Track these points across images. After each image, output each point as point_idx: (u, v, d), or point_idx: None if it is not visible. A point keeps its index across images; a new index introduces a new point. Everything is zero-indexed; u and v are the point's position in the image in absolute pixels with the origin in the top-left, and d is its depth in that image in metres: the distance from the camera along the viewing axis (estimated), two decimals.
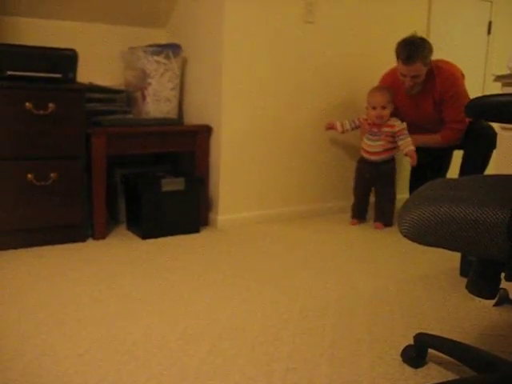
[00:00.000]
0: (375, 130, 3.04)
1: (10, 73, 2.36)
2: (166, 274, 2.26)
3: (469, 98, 2.94)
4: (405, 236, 1.15)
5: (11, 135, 2.40)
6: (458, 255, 2.46)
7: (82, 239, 2.66)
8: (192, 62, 3.14)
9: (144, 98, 2.99)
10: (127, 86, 3.13)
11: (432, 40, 3.12)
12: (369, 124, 3.07)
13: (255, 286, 2.15)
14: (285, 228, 3.06)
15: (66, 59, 2.54)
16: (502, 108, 0.92)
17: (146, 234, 2.78)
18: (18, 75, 2.39)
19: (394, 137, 3.01)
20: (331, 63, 3.27)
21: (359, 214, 3.23)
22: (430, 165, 3.26)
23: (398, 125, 3.01)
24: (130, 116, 3.03)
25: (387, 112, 2.99)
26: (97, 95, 2.90)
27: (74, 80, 2.58)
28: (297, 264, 2.44)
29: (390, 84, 3.10)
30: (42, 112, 2.43)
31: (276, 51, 3.04)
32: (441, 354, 1.58)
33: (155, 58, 2.94)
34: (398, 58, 2.92)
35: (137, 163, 3.18)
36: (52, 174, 2.50)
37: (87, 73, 3.00)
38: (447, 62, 3.09)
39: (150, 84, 2.96)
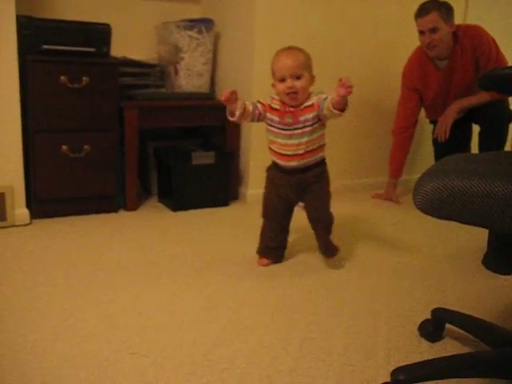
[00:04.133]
0: (289, 119, 1.93)
1: (45, 47, 2.43)
2: (194, 244, 2.32)
3: (502, 54, 2.82)
4: (418, 208, 1.16)
5: (46, 108, 2.47)
6: (486, 234, 2.44)
7: (115, 210, 2.74)
8: (225, 36, 3.16)
9: (176, 72, 3.03)
10: (161, 61, 3.17)
11: None
12: (276, 111, 1.95)
13: None
14: None
15: (100, 33, 2.59)
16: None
17: (176, 206, 2.84)
18: (53, 49, 2.45)
19: (318, 123, 1.95)
20: (370, 41, 3.23)
21: (273, 250, 2.13)
22: (454, 140, 2.94)
23: (315, 99, 1.92)
24: (163, 90, 3.07)
25: (304, 84, 1.90)
26: (130, 69, 2.95)
27: (107, 54, 2.63)
28: None
29: (417, 65, 2.95)
30: (76, 85, 2.50)
31: (310, 28, 3.02)
32: (458, 330, 1.58)
33: (188, 32, 2.96)
34: (415, 19, 2.82)
35: (169, 137, 3.23)
36: (86, 147, 2.57)
37: (122, 47, 3.04)
38: (474, 25, 2.94)
39: (182, 59, 2.99)
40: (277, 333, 1.58)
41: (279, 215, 2.10)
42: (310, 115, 1.93)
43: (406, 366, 1.30)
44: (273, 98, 1.99)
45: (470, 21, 3.33)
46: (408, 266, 2.17)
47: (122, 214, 2.73)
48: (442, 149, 2.96)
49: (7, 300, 1.73)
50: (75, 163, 2.57)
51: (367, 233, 2.58)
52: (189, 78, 3.04)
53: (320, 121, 1.95)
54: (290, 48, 1.98)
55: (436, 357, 1.44)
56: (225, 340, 1.53)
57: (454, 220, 1.10)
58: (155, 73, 3.12)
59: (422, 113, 3.14)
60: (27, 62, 2.40)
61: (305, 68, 1.92)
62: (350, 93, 1.75)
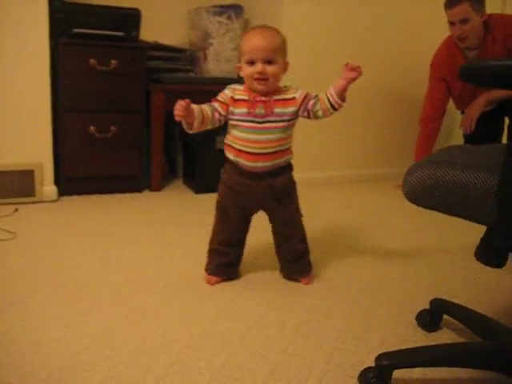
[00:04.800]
0: (261, 110, 1.65)
1: (76, 30, 2.52)
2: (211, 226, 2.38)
3: None
4: (405, 197, 1.18)
5: (76, 89, 2.57)
6: None
7: (139, 190, 2.83)
8: (254, 23, 3.18)
9: (205, 57, 3.08)
10: (192, 46, 3.23)
11: None
12: (244, 102, 1.67)
13: None
14: (340, 191, 3.09)
15: (130, 18, 2.66)
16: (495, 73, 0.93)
17: (199, 189, 2.90)
18: (84, 33, 2.54)
19: (294, 120, 1.72)
20: (397, 33, 3.20)
21: (225, 266, 1.82)
22: (482, 132, 2.88)
23: (300, 93, 1.70)
24: (192, 74, 3.14)
25: (276, 70, 1.64)
26: (161, 53, 3.02)
27: (136, 38, 2.70)
28: (340, 226, 2.49)
29: (446, 55, 2.89)
30: (104, 68, 2.58)
31: (338, 15, 3.02)
32: (457, 322, 1.59)
33: (217, 18, 3.01)
34: (445, 9, 2.76)
35: None
36: (112, 127, 2.66)
37: (155, 32, 3.11)
38: (508, 15, 2.85)
39: (211, 44, 3.04)
40: (275, 313, 1.63)
41: (235, 228, 1.80)
42: (288, 109, 1.67)
43: (392, 351, 1.33)
44: (234, 89, 1.68)
45: (510, 10, 3.26)
46: (417, 256, 2.17)
47: (146, 194, 2.82)
48: (470, 141, 2.91)
49: (31, 270, 1.83)
50: (102, 143, 2.67)
51: (383, 222, 2.58)
52: (217, 63, 3.09)
53: (295, 119, 1.71)
54: (265, 27, 1.69)
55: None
56: (225, 315, 1.58)
57: (435, 210, 1.11)
58: (186, 57, 3.19)
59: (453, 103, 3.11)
60: (58, 45, 2.51)
61: (279, 52, 1.65)
62: (359, 74, 1.62)
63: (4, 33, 2.35)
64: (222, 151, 2.83)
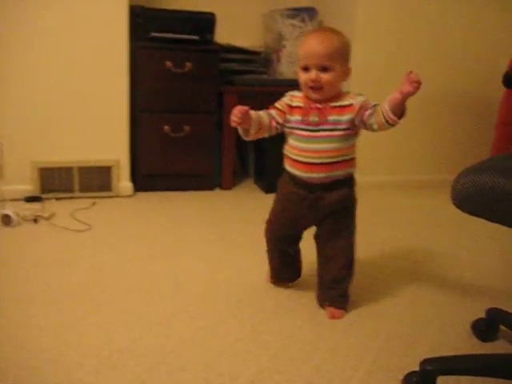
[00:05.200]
0: (314, 118, 1.56)
1: (153, 34, 2.65)
2: None
3: None
4: (453, 203, 1.17)
5: (152, 91, 2.70)
6: None
7: (210, 188, 2.93)
8: (327, 25, 3.19)
9: (278, 59, 3.13)
10: (266, 48, 3.29)
11: None
12: (298, 109, 1.59)
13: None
14: (404, 195, 3.05)
15: (205, 22, 2.76)
16: None
17: (269, 188, 2.95)
18: (160, 37, 2.66)
19: (353, 129, 1.56)
20: (466, 38, 3.11)
21: (286, 276, 1.82)
22: None
23: (358, 100, 1.55)
24: (265, 76, 3.19)
25: (332, 78, 1.53)
26: (235, 56, 3.10)
27: (211, 41, 2.80)
28: (398, 229, 2.46)
29: None
30: (179, 70, 2.70)
31: (413, 17, 2.98)
32: None
33: (290, 21, 3.05)
34: None
35: None
36: (186, 127, 2.77)
37: (229, 34, 3.20)
38: None
39: (284, 46, 3.09)
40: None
41: (285, 242, 1.73)
42: (344, 117, 1.53)
43: (438, 357, 1.32)
44: (292, 96, 1.62)
45: None
46: (477, 264, 2.12)
47: (217, 193, 2.92)
48: None
49: (101, 260, 1.97)
50: (175, 142, 2.79)
51: (444, 228, 2.53)
52: (290, 66, 3.13)
53: (354, 128, 1.56)
54: (323, 30, 1.61)
55: None
56: (275, 314, 1.63)
57: (480, 216, 1.10)
58: (260, 59, 3.25)
59: None
60: (137, 49, 2.64)
61: (336, 58, 1.51)
62: (417, 89, 1.40)
63: (86, 37, 2.51)
64: None
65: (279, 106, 1.61)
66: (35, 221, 2.28)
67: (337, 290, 1.66)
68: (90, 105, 2.59)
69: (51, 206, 2.48)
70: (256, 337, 1.50)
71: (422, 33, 3.01)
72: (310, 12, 3.09)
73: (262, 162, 3.02)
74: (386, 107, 1.46)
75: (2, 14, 2.39)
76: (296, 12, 3.06)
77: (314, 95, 1.54)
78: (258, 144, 3.07)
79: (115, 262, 1.95)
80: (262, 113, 1.58)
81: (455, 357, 1.35)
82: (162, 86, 2.70)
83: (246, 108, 1.49)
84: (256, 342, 1.47)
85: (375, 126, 1.50)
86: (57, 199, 2.59)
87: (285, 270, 1.80)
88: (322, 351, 1.44)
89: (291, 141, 1.61)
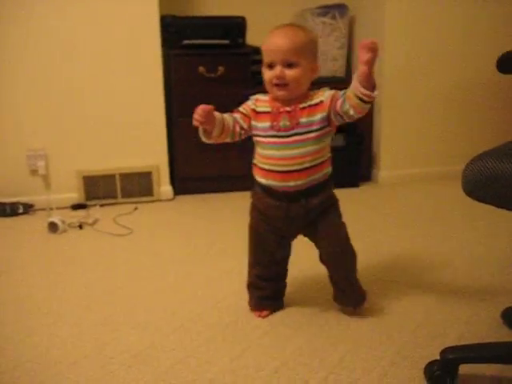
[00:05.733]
0: (285, 122, 1.44)
1: (185, 42, 2.73)
2: None
3: None
4: (463, 190, 1.18)
5: (187, 96, 2.78)
6: None
7: (249, 188, 2.97)
8: (359, 21, 3.20)
9: None
10: None
11: None
12: (266, 115, 1.47)
13: (397, 241, 2.24)
14: (444, 188, 3.01)
15: (235, 26, 2.82)
16: None
17: None
18: (192, 44, 2.74)
19: (328, 127, 1.45)
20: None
21: (266, 300, 1.64)
22: None
23: (327, 95, 1.43)
24: None
25: (298, 74, 1.41)
26: None
27: (242, 45, 2.86)
28: (426, 221, 2.44)
29: None
30: (212, 75, 2.77)
31: (444, 11, 2.94)
32: None
33: (321, 19, 3.07)
34: None
35: None
36: None
37: (261, 36, 3.24)
38: None
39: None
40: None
41: (272, 259, 1.60)
42: (316, 116, 1.43)
43: (459, 345, 1.32)
44: (257, 99, 1.50)
45: None
46: (501, 254, 2.08)
47: None
48: None
49: (139, 261, 2.06)
50: (212, 146, 2.84)
51: (474, 220, 2.48)
52: (323, 63, 3.15)
53: (329, 125, 1.45)
54: (289, 25, 1.47)
55: None
56: (300, 303, 1.67)
57: (488, 203, 1.11)
58: None
59: None
60: (170, 56, 2.74)
61: (302, 54, 1.40)
62: (374, 51, 1.26)
63: (121, 49, 2.62)
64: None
65: (243, 111, 1.50)
66: (80, 227, 2.40)
67: (355, 292, 1.61)
68: (129, 114, 2.70)
69: (95, 212, 2.61)
70: (282, 330, 1.54)
71: (453, 26, 2.97)
72: (341, 9, 3.09)
73: None
74: (355, 85, 1.31)
75: (45, 28, 2.53)
76: (327, 9, 3.08)
77: (279, 92, 1.42)
78: None
79: (153, 263, 2.04)
80: (226, 115, 1.48)
81: (478, 345, 1.34)
82: (195, 90, 2.78)
83: (210, 107, 1.41)
84: (282, 335, 1.51)
85: (351, 112, 1.36)
86: (101, 206, 2.71)
87: (265, 289, 1.63)
88: (347, 342, 1.47)
89: (261, 150, 1.49)
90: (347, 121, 1.41)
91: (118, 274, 1.95)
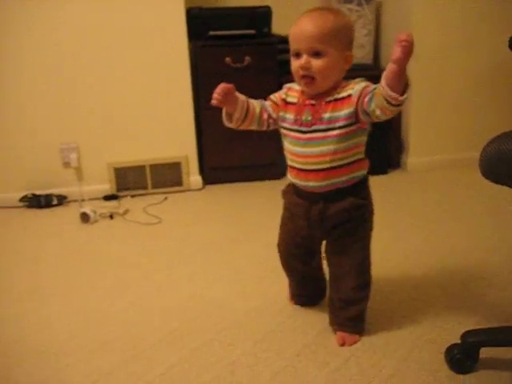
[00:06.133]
0: (307, 117, 1.32)
1: (211, 33, 2.76)
2: None
3: None
4: (480, 172, 1.17)
5: (214, 87, 2.79)
6: None
7: (277, 177, 2.99)
8: (386, 6, 3.16)
9: None
10: None
11: None
12: (292, 106, 1.37)
13: (423, 230, 2.22)
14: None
15: (261, 16, 2.83)
16: None
17: None
18: (219, 34, 2.76)
19: (356, 125, 1.29)
20: None
21: (305, 297, 1.61)
22: None
23: (357, 88, 1.26)
24: None
25: (325, 65, 1.26)
26: None
27: (268, 34, 2.87)
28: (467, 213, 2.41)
29: None
30: (239, 65, 2.79)
31: (468, 3, 2.89)
32: None
33: (347, 6, 3.05)
34: None
35: None
36: None
37: (288, 24, 3.24)
38: None
39: None
40: (385, 288, 1.68)
41: (297, 262, 1.51)
42: (341, 112, 1.27)
43: (481, 329, 1.32)
44: (290, 88, 1.40)
45: None
46: None
47: (284, 181, 2.97)
48: None
49: (168, 249, 2.10)
50: (240, 135, 2.86)
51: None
52: None
53: (358, 122, 1.28)
54: (318, 9, 1.30)
55: None
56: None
57: (503, 184, 1.10)
58: None
59: None
60: (197, 48, 2.76)
61: (331, 41, 1.24)
62: (407, 48, 1.09)
63: (148, 41, 2.66)
64: None
65: (274, 98, 1.40)
66: (111, 217, 2.47)
67: (347, 311, 1.41)
68: (157, 106, 2.75)
69: (126, 202, 2.67)
70: (305, 315, 1.56)
71: (481, 7, 2.91)
72: None
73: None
74: (383, 84, 1.15)
75: (77, 23, 2.59)
76: None
77: (306, 88, 1.30)
78: None
79: (181, 250, 2.08)
80: (253, 100, 1.40)
81: (498, 328, 1.34)
82: (222, 81, 2.77)
83: (230, 86, 1.32)
84: (304, 320, 1.53)
85: (378, 112, 1.19)
86: (132, 196, 2.77)
87: (303, 290, 1.59)
88: (367, 325, 1.48)
89: (286, 144, 1.38)
90: (376, 120, 1.24)
91: (146, 261, 2.00)
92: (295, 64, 1.29)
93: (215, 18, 2.78)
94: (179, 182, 2.84)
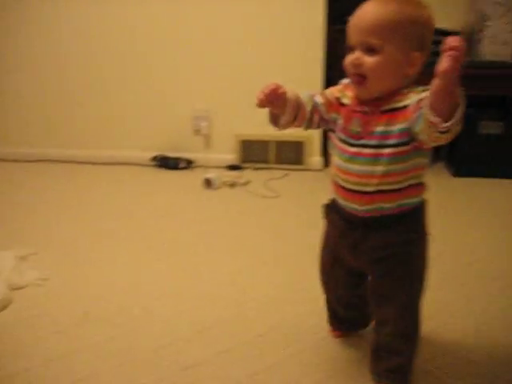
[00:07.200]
0: (355, 127, 1.07)
1: (348, 18, 2.78)
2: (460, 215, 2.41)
3: None
4: None
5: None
6: None
7: None
8: None
9: (480, 40, 3.03)
10: (466, 29, 3.20)
11: None
12: (344, 109, 1.11)
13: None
14: None
15: None
16: None
17: (457, 172, 2.92)
18: None
19: (411, 144, 1.01)
20: None
21: (345, 325, 1.34)
22: None
23: (414, 100, 0.97)
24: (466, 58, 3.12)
25: (379, 63, 1.01)
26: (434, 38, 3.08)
27: None
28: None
29: None
30: None
31: None
32: None
33: None
34: None
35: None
36: None
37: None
38: None
39: (487, 26, 2.98)
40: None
41: (338, 286, 1.25)
42: (395, 127, 1.02)
43: None
44: (345, 86, 1.14)
45: None
46: None
47: None
48: None
49: (281, 222, 2.19)
50: None
51: None
52: (492, 46, 3.01)
53: (414, 141, 1.00)
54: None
55: None
56: None
57: None
58: None
59: None
60: (332, 32, 2.81)
61: (390, 36, 1.00)
62: (455, 60, 0.83)
63: (285, 25, 2.76)
64: (484, 136, 2.82)
65: (329, 95, 1.14)
66: (232, 186, 2.61)
67: (387, 362, 1.13)
68: (287, 85, 2.83)
69: (248, 174, 2.80)
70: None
71: None
72: None
73: (450, 146, 2.97)
74: (426, 105, 0.91)
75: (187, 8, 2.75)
76: None
77: (356, 89, 1.07)
78: None
79: (294, 226, 2.15)
80: (306, 98, 1.12)
81: None
82: None
83: (282, 91, 1.06)
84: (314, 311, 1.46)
85: (422, 136, 0.96)
86: (254, 169, 2.90)
87: (345, 318, 1.32)
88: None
89: (333, 153, 1.14)
90: (429, 145, 0.99)
91: (260, 231, 2.09)
92: (347, 60, 1.07)
93: (353, 3, 2.80)
94: (300, 161, 2.93)
